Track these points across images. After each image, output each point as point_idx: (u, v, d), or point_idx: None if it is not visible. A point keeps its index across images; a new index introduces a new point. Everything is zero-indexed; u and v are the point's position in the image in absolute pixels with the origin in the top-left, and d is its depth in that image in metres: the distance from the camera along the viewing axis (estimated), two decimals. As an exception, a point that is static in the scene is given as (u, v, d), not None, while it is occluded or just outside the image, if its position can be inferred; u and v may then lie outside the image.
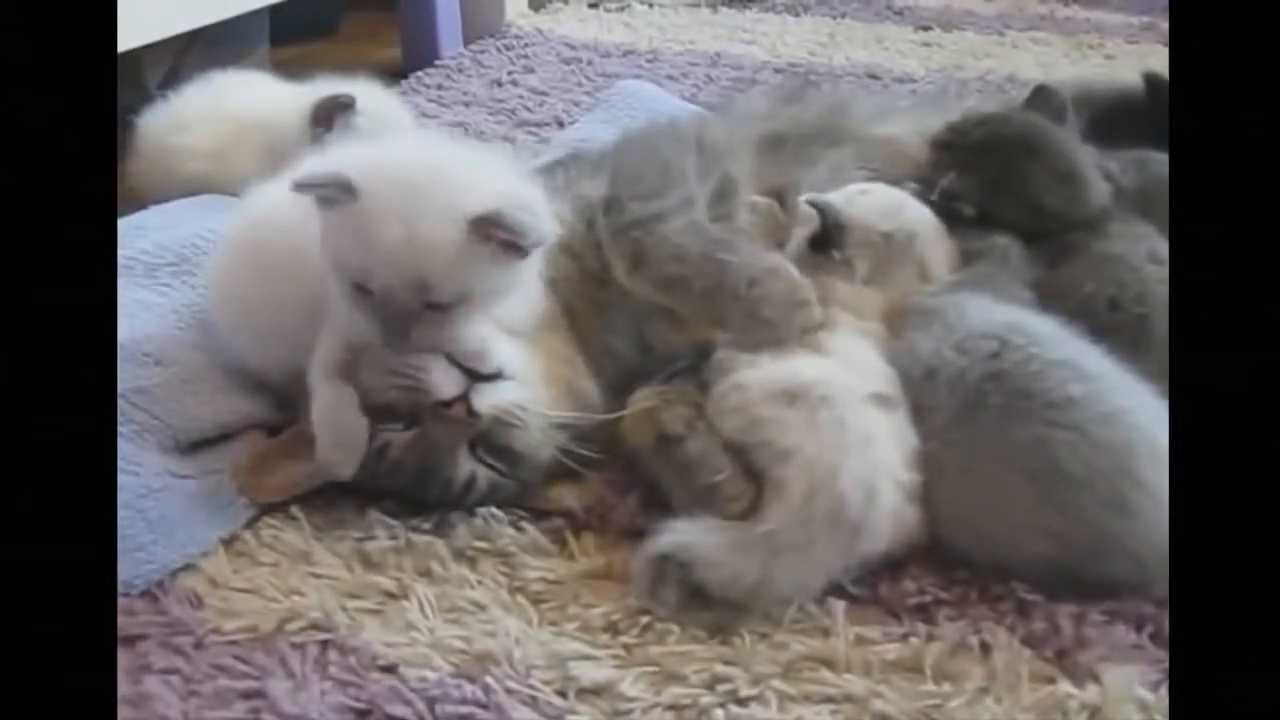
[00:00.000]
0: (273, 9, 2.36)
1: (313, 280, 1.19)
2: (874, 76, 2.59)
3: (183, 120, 1.81)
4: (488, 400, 1.16)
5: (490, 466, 1.19)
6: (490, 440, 1.18)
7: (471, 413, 1.16)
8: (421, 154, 1.18)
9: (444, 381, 1.15)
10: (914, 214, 1.33)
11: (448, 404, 1.15)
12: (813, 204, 1.29)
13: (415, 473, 1.17)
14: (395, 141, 1.23)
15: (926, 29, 2.99)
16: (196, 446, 1.23)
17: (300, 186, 1.12)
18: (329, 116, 1.73)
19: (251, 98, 1.84)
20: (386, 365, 1.16)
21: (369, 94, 1.80)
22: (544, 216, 1.16)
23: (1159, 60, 2.46)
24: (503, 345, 1.19)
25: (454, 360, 1.16)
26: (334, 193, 1.11)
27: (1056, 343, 1.14)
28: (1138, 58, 2.69)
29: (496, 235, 1.11)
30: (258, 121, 1.78)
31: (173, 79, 2.11)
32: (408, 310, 1.12)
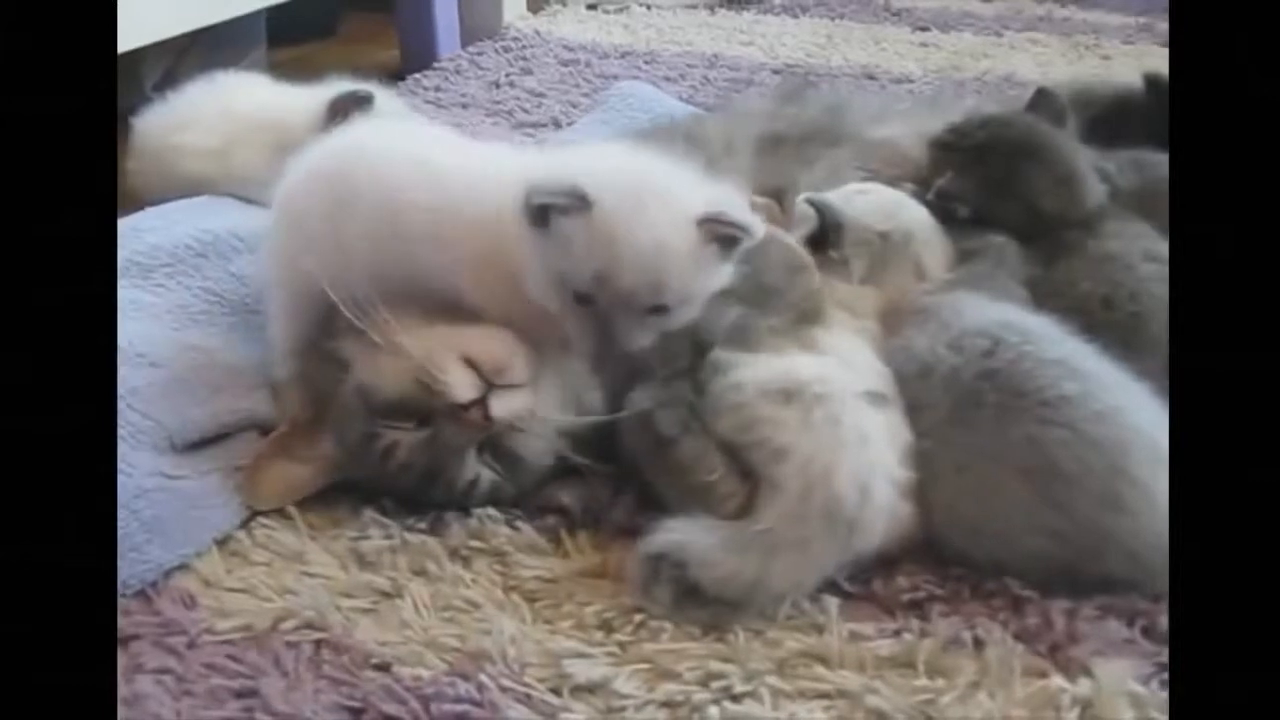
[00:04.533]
0: (270, 10, 2.36)
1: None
2: (871, 77, 2.60)
3: (185, 120, 1.80)
4: (504, 406, 1.16)
5: (494, 470, 1.19)
6: (498, 445, 1.18)
7: (487, 418, 1.15)
8: (630, 161, 1.17)
9: (463, 384, 1.15)
10: (911, 214, 1.34)
11: (465, 407, 1.15)
12: (811, 203, 1.29)
13: (422, 473, 1.17)
14: (589, 151, 1.22)
15: (924, 30, 3.00)
16: (193, 447, 1.22)
17: (535, 196, 1.10)
18: (346, 111, 1.72)
19: (257, 97, 1.84)
20: (408, 360, 1.16)
21: (385, 97, 1.80)
22: (748, 212, 1.15)
23: (1155, 60, 2.47)
24: (523, 355, 1.19)
25: (472, 365, 1.16)
26: (570, 201, 1.09)
27: (1050, 341, 1.14)
28: (1134, 58, 2.70)
29: (721, 232, 1.11)
30: (265, 120, 1.77)
31: (169, 80, 2.11)
32: (633, 315, 1.12)
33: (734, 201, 1.15)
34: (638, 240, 1.09)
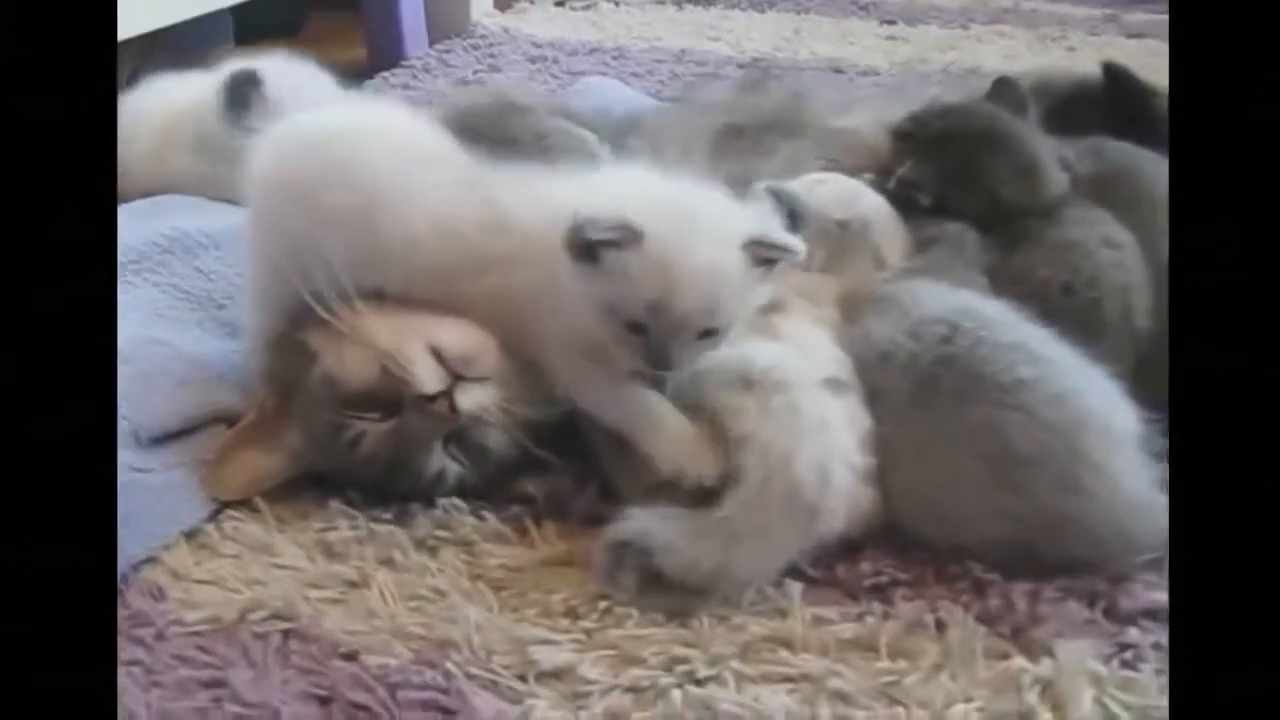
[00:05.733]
0: (236, 9, 2.36)
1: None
2: (838, 70, 2.60)
3: (127, 128, 1.79)
4: (471, 398, 1.17)
5: (459, 462, 1.19)
6: (464, 437, 1.19)
7: (453, 409, 1.16)
8: (670, 187, 1.16)
9: (430, 376, 1.16)
10: (869, 203, 1.35)
11: (431, 398, 1.16)
12: (770, 192, 1.30)
13: (388, 464, 1.18)
14: (618, 176, 1.23)
15: (891, 23, 3.01)
16: (159, 441, 1.23)
17: (585, 233, 1.08)
18: (243, 96, 1.69)
19: (179, 94, 1.81)
20: (375, 350, 1.16)
21: (279, 66, 1.75)
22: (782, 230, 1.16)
23: (1121, 52, 2.48)
24: (491, 348, 1.20)
25: (439, 356, 1.17)
26: (622, 235, 1.08)
27: (1006, 326, 1.15)
28: (1099, 50, 2.70)
29: (766, 254, 1.11)
30: (182, 116, 1.75)
31: (135, 81, 2.11)
32: (685, 341, 1.11)
33: (770, 221, 1.16)
34: (692, 268, 1.08)
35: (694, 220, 1.10)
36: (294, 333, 1.22)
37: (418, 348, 1.16)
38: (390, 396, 1.16)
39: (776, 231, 1.14)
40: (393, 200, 1.19)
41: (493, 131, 1.34)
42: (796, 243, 1.12)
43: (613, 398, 1.17)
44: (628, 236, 1.08)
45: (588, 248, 1.09)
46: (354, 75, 2.25)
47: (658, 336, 1.10)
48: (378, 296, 1.20)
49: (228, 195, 1.60)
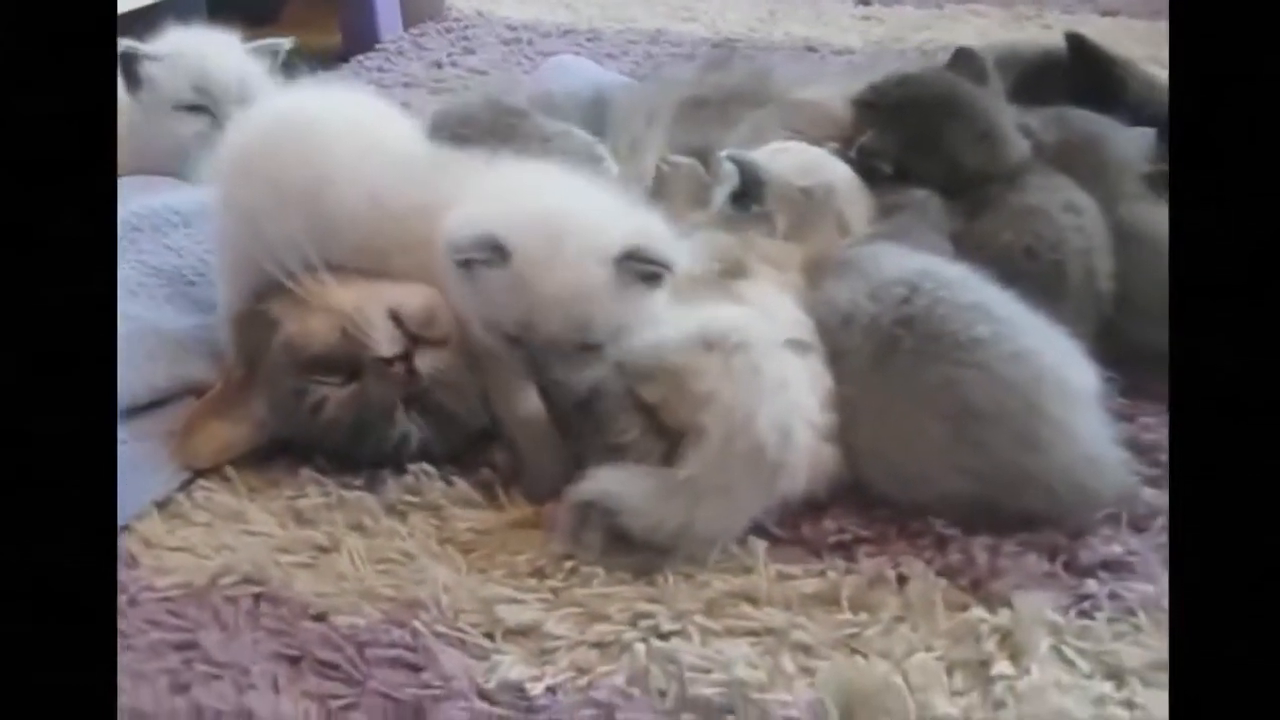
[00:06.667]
0: (212, -6, 2.36)
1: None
2: (813, 49, 2.60)
3: None
4: (429, 361, 1.19)
5: (422, 427, 1.20)
6: (425, 402, 1.20)
7: (412, 372, 1.18)
8: (550, 198, 1.18)
9: (386, 339, 1.17)
10: (833, 170, 1.36)
11: (389, 361, 1.17)
12: (732, 159, 1.31)
13: (351, 429, 1.19)
14: (511, 182, 1.23)
15: (866, 3, 3.01)
16: (130, 413, 1.24)
17: (454, 254, 1.12)
18: (133, 77, 1.70)
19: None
20: (334, 314, 1.18)
21: (177, 40, 1.78)
22: (671, 241, 1.16)
23: (1094, 29, 2.48)
24: (447, 309, 1.21)
25: (398, 320, 1.18)
26: (488, 256, 1.11)
27: (965, 287, 1.17)
28: (1074, 27, 2.70)
29: (643, 269, 1.13)
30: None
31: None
32: (563, 355, 1.13)
33: (655, 231, 1.16)
34: (555, 288, 1.11)
35: (562, 237, 1.12)
36: (258, 305, 1.24)
37: (377, 311, 1.18)
38: (350, 360, 1.18)
39: (656, 244, 1.14)
40: (339, 179, 1.23)
41: (493, 136, 1.35)
42: (675, 256, 1.13)
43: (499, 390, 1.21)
44: (494, 257, 1.11)
45: (461, 263, 1.12)
46: (331, 59, 2.25)
47: (534, 350, 1.13)
48: (340, 269, 1.22)
49: (167, 171, 1.66)
